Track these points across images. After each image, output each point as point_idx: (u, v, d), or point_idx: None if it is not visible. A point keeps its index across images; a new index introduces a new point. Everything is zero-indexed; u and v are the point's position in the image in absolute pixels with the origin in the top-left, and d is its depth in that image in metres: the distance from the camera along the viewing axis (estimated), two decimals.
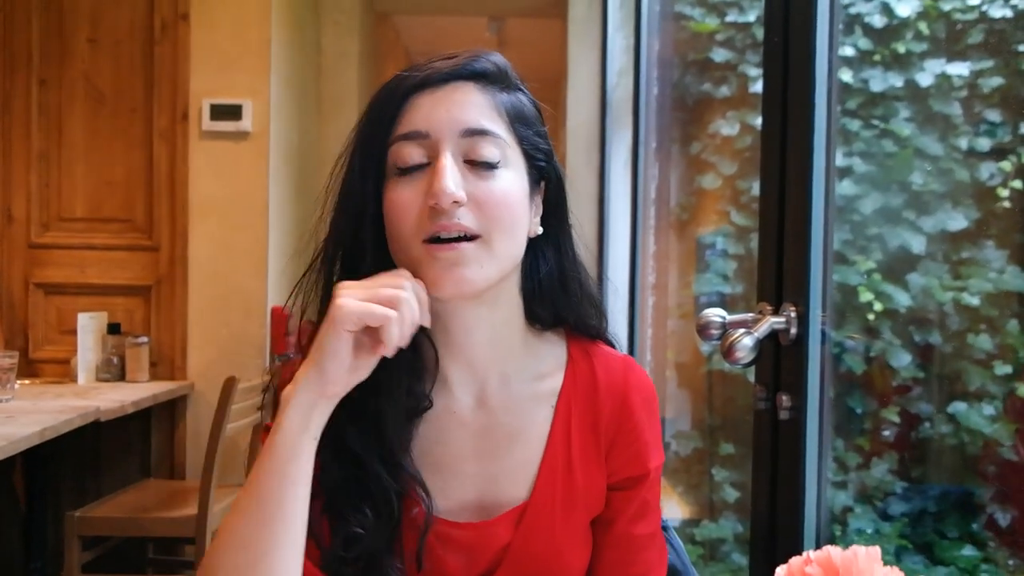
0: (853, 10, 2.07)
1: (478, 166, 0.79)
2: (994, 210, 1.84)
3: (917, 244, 1.92)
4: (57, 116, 3.01)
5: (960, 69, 1.96)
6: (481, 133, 0.79)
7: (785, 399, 1.07)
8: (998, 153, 1.84)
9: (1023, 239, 1.82)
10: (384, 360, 0.77)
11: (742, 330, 1.07)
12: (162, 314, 3.02)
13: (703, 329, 1.14)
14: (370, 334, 0.75)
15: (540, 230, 0.86)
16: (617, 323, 0.95)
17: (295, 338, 0.88)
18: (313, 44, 3.60)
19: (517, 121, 0.83)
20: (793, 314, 1.07)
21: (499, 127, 0.81)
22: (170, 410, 3.01)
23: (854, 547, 0.53)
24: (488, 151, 0.79)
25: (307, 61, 3.52)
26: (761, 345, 1.07)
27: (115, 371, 2.89)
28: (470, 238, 0.78)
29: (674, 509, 2.75)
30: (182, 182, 2.99)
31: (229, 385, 2.40)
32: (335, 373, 0.75)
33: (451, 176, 0.77)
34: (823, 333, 1.09)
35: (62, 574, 2.46)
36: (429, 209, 0.77)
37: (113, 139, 3.02)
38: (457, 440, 0.85)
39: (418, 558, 0.81)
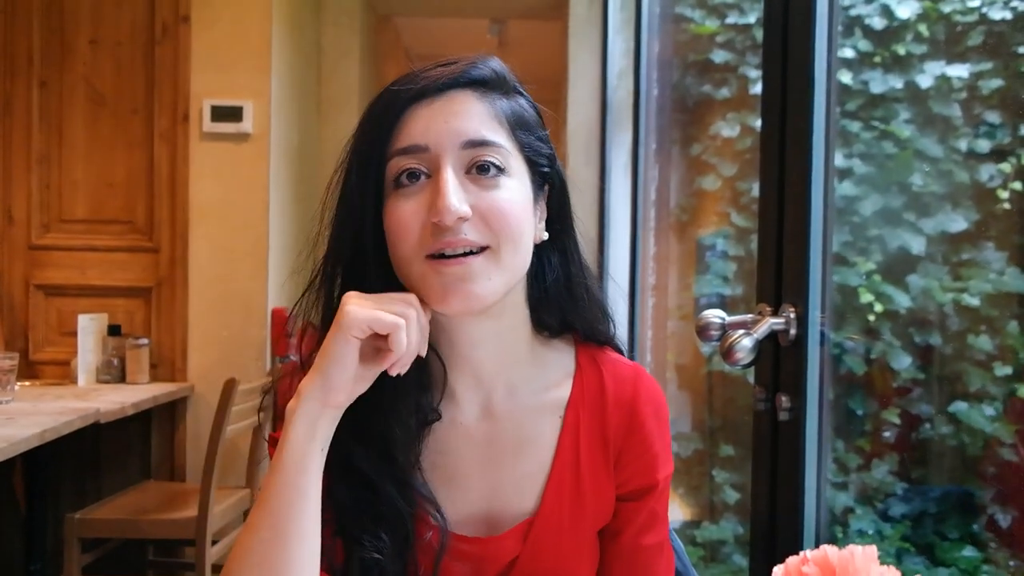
0: (853, 12, 2.07)
1: (480, 177, 0.78)
2: (994, 211, 1.84)
3: (917, 245, 1.92)
4: (58, 118, 3.02)
5: (960, 71, 1.96)
6: (482, 144, 0.78)
7: (784, 400, 1.07)
8: (998, 155, 1.84)
9: (1023, 240, 1.82)
10: (391, 377, 0.76)
11: (741, 331, 1.07)
12: (162, 316, 3.02)
13: (703, 330, 1.14)
14: (375, 344, 0.75)
15: (545, 236, 0.85)
16: (619, 312, 0.94)
17: (296, 339, 0.87)
18: (313, 45, 3.60)
19: (518, 127, 0.82)
20: (792, 315, 1.07)
21: (499, 136, 0.79)
22: (170, 412, 3.01)
23: (851, 546, 0.53)
24: (489, 161, 0.78)
25: (307, 62, 3.52)
26: (760, 346, 1.07)
27: (115, 373, 2.89)
28: (477, 251, 0.76)
29: (675, 511, 2.75)
30: (183, 183, 3.00)
31: (229, 387, 2.41)
32: (339, 380, 0.74)
33: (454, 192, 0.75)
34: (822, 334, 1.09)
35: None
36: (432, 225, 0.75)
37: (114, 141, 3.02)
38: (463, 451, 0.84)
39: None
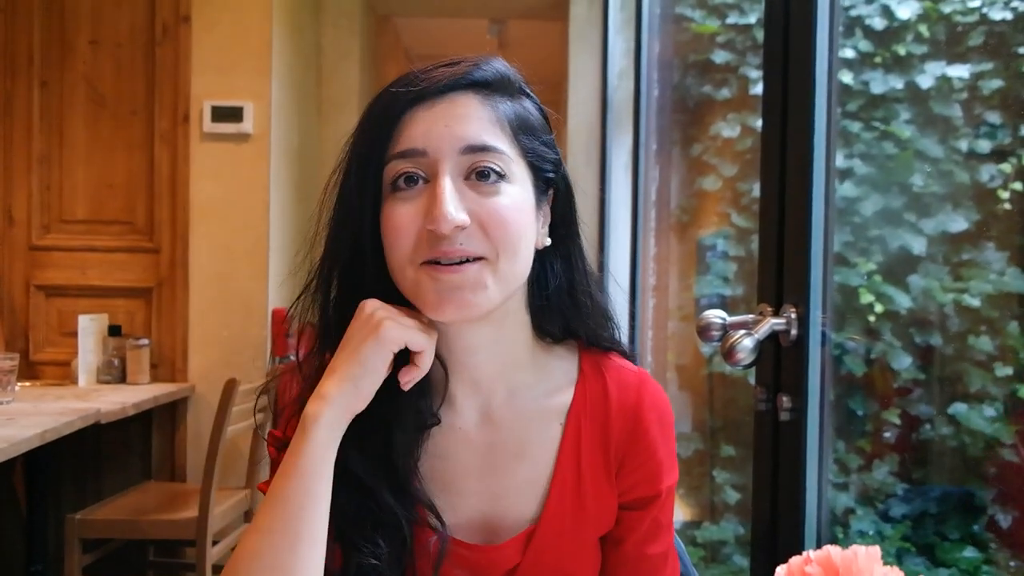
0: (853, 12, 2.07)
1: (480, 183, 0.76)
2: (995, 212, 1.84)
3: (918, 246, 1.91)
4: (58, 118, 3.02)
5: (960, 71, 1.96)
6: (481, 149, 0.76)
7: (786, 400, 1.07)
8: (998, 155, 1.84)
9: (1023, 241, 1.82)
10: (392, 385, 0.77)
11: (743, 331, 1.07)
12: (163, 316, 3.02)
13: (704, 331, 1.14)
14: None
15: (548, 242, 0.83)
16: (622, 317, 0.92)
17: (295, 341, 0.86)
18: (313, 46, 3.60)
19: (521, 132, 0.79)
20: (793, 315, 1.07)
21: (501, 141, 0.77)
22: (171, 412, 3.01)
23: (854, 547, 0.53)
24: (490, 167, 0.76)
25: (308, 63, 3.52)
26: (762, 346, 1.07)
27: (116, 373, 2.89)
28: (474, 259, 0.75)
29: (675, 511, 2.74)
30: (183, 184, 3.00)
31: (230, 387, 2.41)
32: (369, 389, 0.75)
33: (451, 200, 0.73)
34: (823, 334, 1.09)
35: None
36: (428, 232, 0.74)
37: (114, 141, 3.02)
38: (462, 457, 0.83)
39: None
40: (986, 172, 1.83)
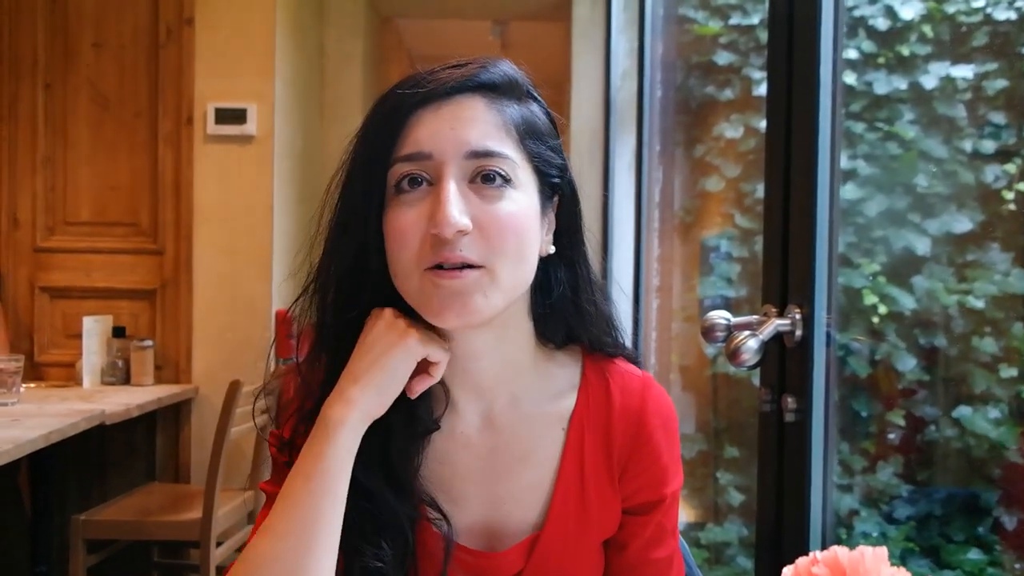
0: (857, 13, 2.07)
1: (484, 187, 0.75)
2: (999, 212, 1.84)
3: (922, 247, 1.91)
4: (62, 120, 3.03)
5: (964, 72, 1.95)
6: (486, 154, 0.75)
7: (790, 401, 1.07)
8: (1003, 155, 1.83)
9: None
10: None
11: (747, 332, 1.07)
12: (167, 318, 3.03)
13: (708, 332, 1.14)
14: None
15: (552, 249, 0.82)
16: (626, 324, 0.92)
17: (295, 341, 0.86)
18: (316, 47, 3.60)
19: (528, 136, 0.78)
20: (798, 316, 1.07)
21: (507, 146, 0.76)
22: (175, 413, 3.02)
23: (861, 547, 0.53)
24: (495, 171, 0.75)
25: (311, 64, 3.53)
26: (766, 347, 1.07)
27: (120, 374, 2.89)
28: (473, 266, 0.74)
29: (679, 513, 2.74)
30: (187, 186, 3.00)
31: (234, 388, 2.41)
32: (391, 396, 0.76)
33: (454, 205, 0.72)
34: (828, 335, 1.08)
35: None
36: (432, 237, 0.73)
37: (118, 143, 3.03)
38: (463, 461, 0.83)
39: None
40: (990, 173, 1.83)
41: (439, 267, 0.74)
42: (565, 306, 0.84)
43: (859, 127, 2.05)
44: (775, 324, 1.07)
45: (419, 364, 0.78)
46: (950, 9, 1.99)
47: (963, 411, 1.80)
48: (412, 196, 0.75)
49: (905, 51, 2.03)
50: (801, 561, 0.57)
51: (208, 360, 3.01)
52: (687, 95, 2.92)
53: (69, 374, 2.94)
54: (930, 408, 1.93)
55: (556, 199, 0.83)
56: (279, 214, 3.08)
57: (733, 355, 1.05)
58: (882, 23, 2.06)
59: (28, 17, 3.01)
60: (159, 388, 2.88)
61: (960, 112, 1.94)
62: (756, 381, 1.18)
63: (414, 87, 0.77)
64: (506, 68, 0.80)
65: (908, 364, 1.93)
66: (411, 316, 0.78)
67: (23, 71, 3.01)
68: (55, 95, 3.02)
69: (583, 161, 3.43)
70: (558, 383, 0.85)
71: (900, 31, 2.04)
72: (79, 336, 2.84)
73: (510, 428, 0.83)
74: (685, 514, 2.76)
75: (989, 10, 1.92)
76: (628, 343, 0.90)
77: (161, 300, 3.03)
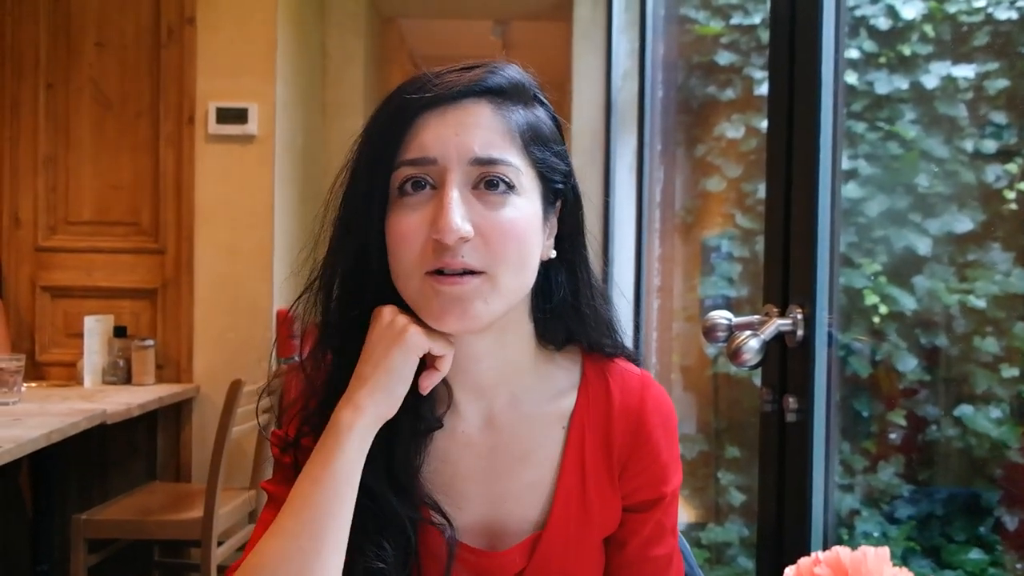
0: (858, 12, 2.07)
1: (487, 193, 0.75)
2: (1000, 212, 1.84)
3: (923, 246, 1.91)
4: (64, 120, 3.03)
5: (966, 71, 1.95)
6: (490, 162, 0.75)
7: (792, 401, 1.07)
8: (1004, 155, 1.83)
9: None
10: None
11: (748, 332, 1.07)
12: (168, 317, 3.03)
13: (709, 331, 1.14)
14: None
15: (553, 254, 0.82)
16: (625, 326, 0.92)
17: (299, 341, 0.86)
18: (318, 47, 3.61)
19: (533, 142, 0.78)
20: (800, 316, 1.07)
21: (511, 153, 0.76)
22: (176, 413, 3.02)
23: (863, 548, 0.53)
24: (498, 177, 0.75)
25: (312, 64, 3.53)
26: (767, 347, 1.07)
27: (121, 374, 2.89)
28: (474, 272, 0.74)
29: (680, 512, 2.74)
30: (188, 185, 3.01)
31: (235, 388, 2.41)
32: (400, 396, 0.76)
33: (457, 211, 0.73)
34: (830, 335, 1.08)
35: None
36: (434, 242, 0.73)
37: (119, 143, 3.03)
38: (464, 461, 0.83)
39: None
40: (992, 172, 1.83)
41: (440, 272, 0.74)
42: (565, 309, 0.84)
43: (860, 127, 2.05)
44: (776, 324, 1.07)
45: (425, 360, 0.78)
46: (951, 9, 1.99)
47: (964, 411, 1.80)
48: (415, 199, 0.76)
49: (906, 51, 2.03)
50: (803, 561, 0.57)
51: (209, 360, 3.01)
52: (688, 95, 2.92)
53: (70, 373, 2.95)
54: (931, 408, 1.93)
55: (559, 204, 0.83)
56: (280, 214, 3.09)
57: (734, 355, 1.05)
58: (883, 23, 2.06)
59: (30, 17, 3.01)
60: (160, 387, 2.88)
61: (961, 112, 1.94)
62: (757, 381, 1.18)
63: (420, 90, 0.77)
64: (513, 72, 0.80)
65: (909, 364, 1.93)
66: (413, 312, 0.78)
67: (25, 70, 3.01)
68: (57, 94, 3.02)
69: (584, 161, 3.43)
70: (558, 383, 0.86)
71: (901, 31, 2.04)
72: (80, 335, 2.84)
73: (511, 428, 0.84)
74: (686, 514, 2.76)
75: (990, 10, 1.92)
76: (628, 345, 0.90)
77: (162, 299, 3.03)
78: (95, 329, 2.86)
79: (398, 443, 0.79)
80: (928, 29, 2.03)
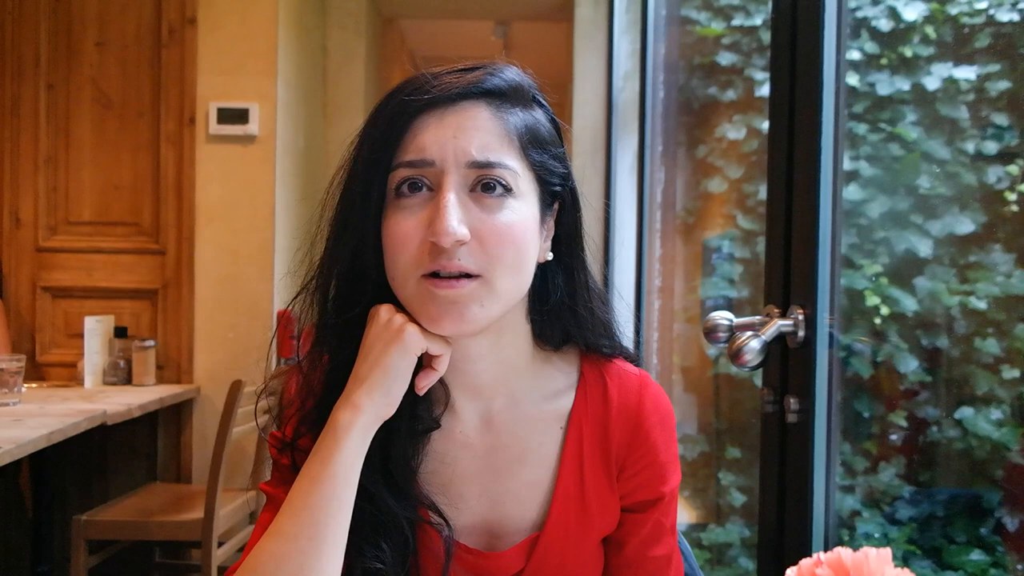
0: (860, 14, 2.07)
1: (484, 196, 0.75)
2: (1002, 214, 1.83)
3: (924, 248, 1.91)
4: (65, 120, 3.03)
5: (967, 73, 1.95)
6: (487, 165, 0.75)
7: (793, 402, 1.07)
8: (1006, 157, 1.83)
9: None
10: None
11: (750, 333, 1.07)
12: (168, 317, 3.03)
13: (710, 332, 1.14)
14: None
15: (550, 256, 0.82)
16: (624, 328, 0.92)
17: (299, 342, 0.86)
18: (319, 48, 3.61)
19: (531, 145, 0.78)
20: (801, 317, 1.07)
21: (508, 156, 0.76)
22: (176, 414, 3.02)
23: (865, 548, 0.53)
24: (495, 182, 0.75)
25: (313, 65, 3.53)
26: (768, 348, 1.07)
27: (122, 374, 2.89)
28: (470, 275, 0.74)
29: (681, 513, 2.74)
30: (189, 186, 3.01)
31: (235, 389, 2.41)
32: (398, 395, 0.76)
33: (454, 214, 0.72)
34: (830, 336, 1.08)
35: None
36: (430, 244, 0.73)
37: (120, 143, 3.03)
38: (462, 461, 0.83)
39: None
40: (993, 174, 1.83)
41: (436, 275, 0.74)
42: (562, 311, 0.84)
43: (862, 128, 2.05)
44: (777, 325, 1.07)
45: (422, 359, 0.78)
46: (953, 10, 1.99)
47: (965, 412, 1.80)
48: (412, 201, 0.76)
49: (908, 52, 2.02)
50: (805, 562, 0.57)
51: (210, 360, 3.01)
52: (689, 96, 2.92)
53: (71, 374, 2.95)
54: (932, 409, 1.93)
55: (556, 206, 0.83)
56: (281, 214, 3.09)
57: (736, 356, 1.05)
58: (885, 24, 2.06)
59: (31, 17, 3.01)
60: (161, 388, 2.88)
61: (963, 113, 1.94)
62: (758, 382, 1.18)
63: (418, 91, 0.77)
64: (512, 74, 0.80)
65: (910, 365, 1.93)
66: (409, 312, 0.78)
67: (26, 70, 3.01)
68: (58, 95, 3.03)
69: (585, 162, 3.43)
70: (556, 383, 0.86)
71: (903, 32, 2.04)
72: (81, 336, 2.84)
73: (508, 428, 0.84)
74: (687, 515, 2.76)
75: (992, 11, 1.91)
76: (627, 346, 0.90)
77: (163, 300, 3.03)
78: (96, 330, 2.86)
79: (396, 444, 0.79)
80: (929, 30, 2.03)
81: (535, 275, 0.80)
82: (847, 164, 2.01)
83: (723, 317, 1.13)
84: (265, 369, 0.87)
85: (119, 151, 3.03)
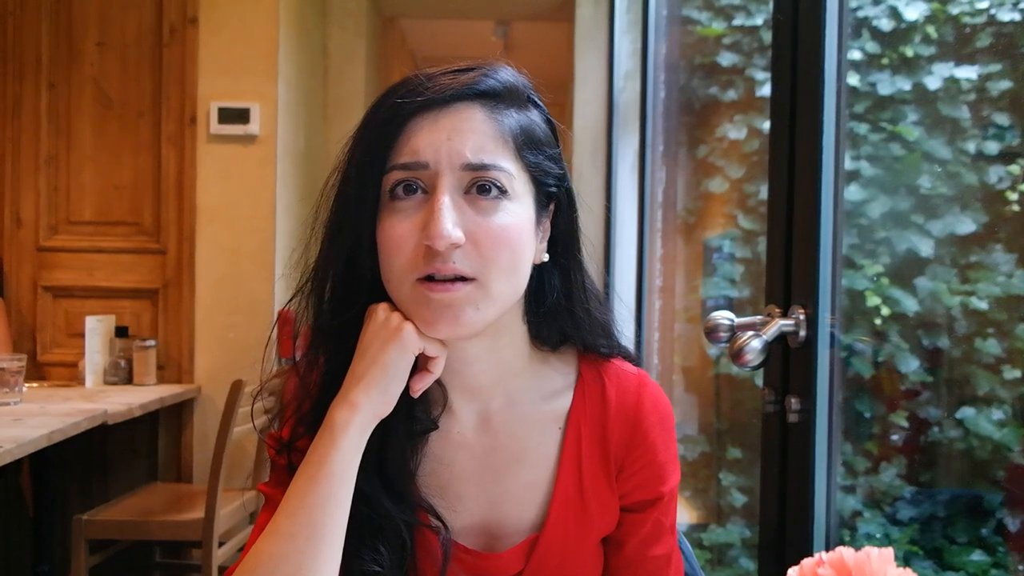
0: (861, 14, 2.07)
1: (479, 198, 0.74)
2: (1003, 214, 1.83)
3: (925, 248, 1.91)
4: (66, 120, 3.03)
5: (968, 73, 1.95)
6: (482, 168, 0.74)
7: (794, 402, 1.07)
8: (1007, 156, 1.83)
9: None
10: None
11: (751, 333, 1.07)
12: (169, 317, 3.03)
13: (711, 332, 1.14)
14: None
15: (546, 258, 0.82)
16: (625, 328, 0.91)
17: (300, 341, 0.86)
18: (320, 48, 3.61)
19: (526, 146, 0.78)
20: (802, 316, 1.07)
21: (503, 158, 0.75)
22: (177, 413, 3.02)
23: (867, 548, 0.53)
24: (490, 184, 0.74)
25: (314, 64, 3.53)
26: (769, 348, 1.07)
27: (122, 374, 2.89)
28: (465, 279, 0.74)
29: (682, 513, 2.74)
30: (190, 185, 3.01)
31: (236, 388, 2.41)
32: (395, 394, 0.76)
33: (448, 217, 0.72)
34: (832, 336, 1.08)
35: None
36: (425, 247, 0.73)
37: (121, 143, 3.03)
38: (460, 462, 0.83)
39: None
40: (994, 174, 1.82)
41: (431, 278, 0.74)
42: (559, 312, 0.84)
43: (863, 128, 2.05)
44: (779, 325, 1.07)
45: (418, 362, 0.78)
46: (954, 10, 1.99)
47: (966, 412, 1.80)
48: (406, 204, 0.75)
49: (909, 52, 2.02)
50: (807, 562, 0.57)
51: (210, 360, 3.01)
52: (690, 96, 2.92)
53: (72, 373, 2.95)
54: (933, 409, 1.93)
55: (552, 207, 0.82)
56: (282, 214, 3.09)
57: (737, 356, 1.05)
58: (886, 24, 2.06)
59: (32, 16, 3.01)
60: (161, 388, 2.88)
61: (964, 113, 1.94)
62: (759, 382, 1.18)
63: (413, 92, 0.76)
64: (507, 75, 0.80)
65: (911, 365, 1.93)
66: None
67: (27, 70, 3.01)
68: (59, 94, 3.03)
69: (586, 162, 3.43)
70: (553, 383, 0.86)
71: (904, 32, 2.04)
72: (82, 335, 2.84)
73: (506, 428, 0.83)
74: (688, 515, 2.76)
75: (993, 11, 1.91)
76: (626, 346, 0.89)
77: (164, 300, 3.03)
78: (96, 329, 2.86)
79: (393, 445, 0.79)
80: (931, 30, 2.03)
81: (532, 276, 0.80)
82: (848, 164, 2.01)
83: (724, 317, 1.13)
84: (261, 370, 0.87)
85: (120, 151, 3.03)
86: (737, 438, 2.61)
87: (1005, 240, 1.82)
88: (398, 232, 0.75)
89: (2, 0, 3.00)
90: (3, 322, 2.90)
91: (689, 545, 1.01)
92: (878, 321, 1.98)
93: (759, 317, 1.12)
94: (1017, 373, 1.76)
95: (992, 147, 1.86)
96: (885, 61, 2.05)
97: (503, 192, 0.75)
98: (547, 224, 0.82)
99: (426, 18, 4.50)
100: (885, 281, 1.99)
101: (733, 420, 2.69)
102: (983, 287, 1.81)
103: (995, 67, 1.88)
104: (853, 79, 2.06)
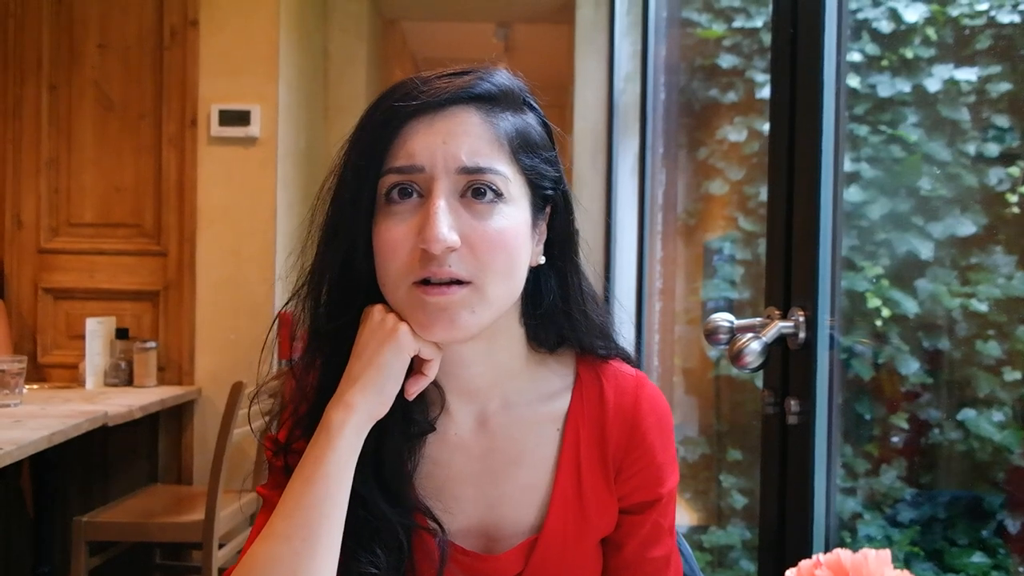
0: (860, 16, 2.07)
1: (475, 201, 0.75)
2: (1003, 215, 1.83)
3: (925, 250, 1.91)
4: (67, 122, 3.03)
5: (968, 74, 1.95)
6: (478, 171, 0.74)
7: (794, 404, 1.07)
8: (1007, 158, 1.83)
9: None
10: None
11: (750, 335, 1.07)
12: (170, 319, 3.03)
13: (711, 334, 1.14)
14: None
15: (542, 260, 0.82)
16: (624, 328, 0.91)
17: (299, 344, 0.86)
18: (320, 50, 3.61)
19: (522, 149, 0.77)
20: (801, 318, 1.07)
21: (499, 161, 0.76)
22: (177, 415, 3.02)
23: (864, 550, 0.53)
24: (485, 187, 0.75)
25: (315, 66, 3.53)
26: (769, 350, 1.07)
27: (123, 376, 2.89)
28: (461, 282, 0.74)
29: (682, 515, 2.74)
30: (191, 187, 3.01)
31: (236, 390, 2.41)
32: (391, 395, 0.76)
33: (444, 221, 0.72)
34: (831, 338, 1.08)
35: None
36: (421, 251, 0.73)
37: (122, 144, 3.03)
38: (458, 464, 0.83)
39: None
40: (994, 176, 1.82)
41: (427, 281, 0.74)
42: (556, 314, 0.84)
43: (862, 130, 2.05)
44: (778, 326, 1.07)
45: (413, 364, 0.78)
46: (954, 12, 1.99)
47: (967, 414, 1.80)
48: (402, 207, 0.75)
49: (909, 54, 2.02)
50: (804, 564, 0.57)
51: (211, 362, 3.01)
52: (690, 98, 2.92)
53: (72, 375, 2.95)
54: (934, 411, 1.93)
55: (548, 210, 0.82)
56: (282, 216, 3.09)
57: (736, 357, 1.05)
58: (885, 26, 2.06)
59: (33, 18, 3.01)
60: (162, 390, 2.88)
61: (964, 115, 1.94)
62: (759, 383, 1.18)
63: (408, 96, 0.76)
64: (502, 78, 0.80)
65: (911, 367, 1.93)
66: None
67: (28, 72, 3.01)
68: (60, 96, 3.03)
69: (586, 164, 3.43)
70: (551, 385, 0.86)
71: (904, 34, 2.04)
72: (82, 337, 2.84)
73: (504, 430, 0.83)
74: (688, 517, 2.76)
75: (993, 13, 1.91)
76: (624, 347, 0.89)
77: (164, 302, 3.04)
78: (97, 331, 2.86)
79: (389, 447, 0.79)
80: (930, 32, 2.03)
81: (528, 278, 0.80)
82: (848, 166, 2.01)
83: (724, 319, 1.13)
84: (258, 372, 0.87)
85: (121, 153, 3.04)
86: (737, 440, 2.61)
87: (1005, 242, 1.82)
88: (394, 236, 0.75)
89: (3, 2, 3.01)
90: (3, 324, 2.90)
91: (688, 547, 1.01)
92: (878, 323, 1.98)
93: (759, 319, 1.12)
94: (1017, 375, 1.76)
95: (992, 149, 1.86)
96: (885, 63, 2.05)
97: (499, 195, 0.75)
98: (543, 227, 0.82)
99: (427, 20, 4.51)
100: (885, 283, 1.99)
101: (733, 422, 2.69)
102: (983, 289, 1.81)
103: (995, 69, 1.88)
104: (853, 81, 2.06)
